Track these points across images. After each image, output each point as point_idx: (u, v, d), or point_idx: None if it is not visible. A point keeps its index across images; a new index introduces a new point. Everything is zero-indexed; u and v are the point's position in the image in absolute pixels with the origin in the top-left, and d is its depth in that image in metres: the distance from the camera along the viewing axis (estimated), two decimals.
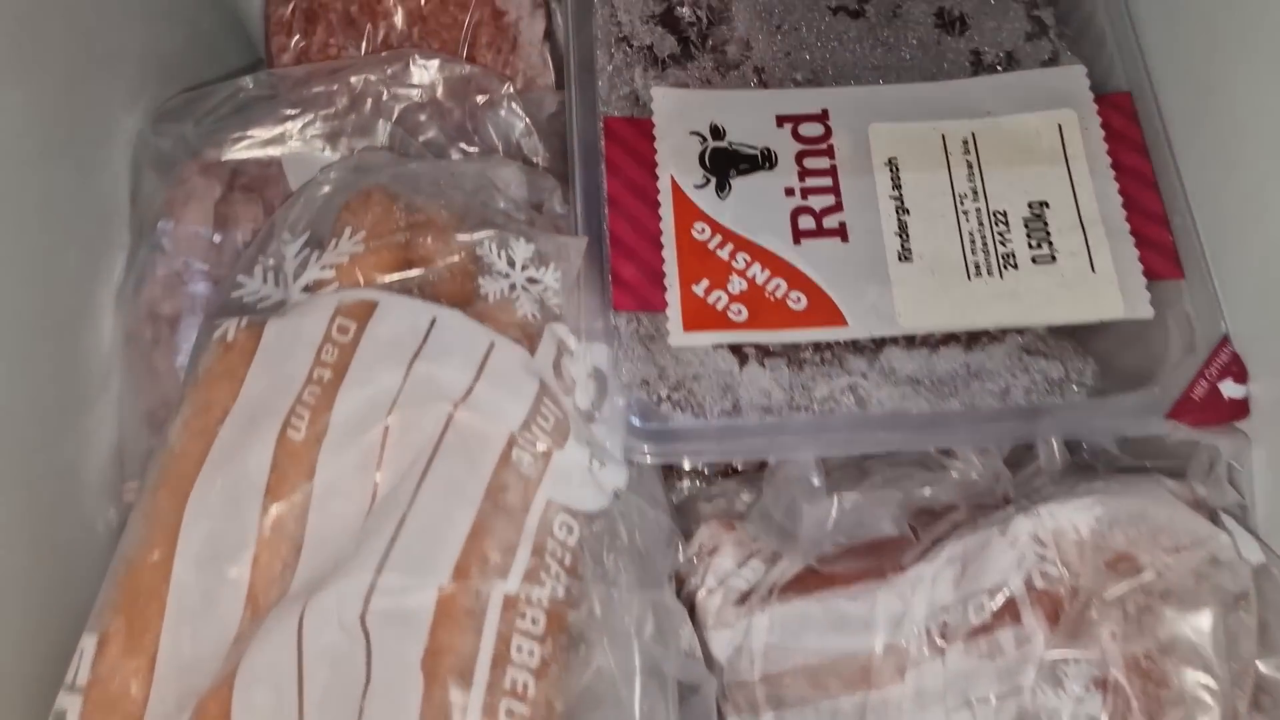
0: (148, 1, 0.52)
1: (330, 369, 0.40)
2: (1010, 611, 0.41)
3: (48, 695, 0.38)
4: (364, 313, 0.41)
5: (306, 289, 0.42)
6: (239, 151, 0.50)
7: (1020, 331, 0.44)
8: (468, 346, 0.40)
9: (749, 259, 0.45)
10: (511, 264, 0.43)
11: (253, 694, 0.36)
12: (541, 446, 0.40)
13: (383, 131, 0.50)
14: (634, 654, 0.38)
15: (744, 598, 0.47)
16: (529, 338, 0.42)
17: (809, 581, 0.45)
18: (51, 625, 0.42)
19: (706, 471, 0.50)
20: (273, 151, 0.50)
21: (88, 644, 0.38)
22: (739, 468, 0.50)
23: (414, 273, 0.42)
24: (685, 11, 0.50)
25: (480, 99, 0.52)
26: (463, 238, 0.42)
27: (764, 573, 0.47)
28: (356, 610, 0.37)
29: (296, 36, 0.55)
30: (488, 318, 0.41)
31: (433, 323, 0.41)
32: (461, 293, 0.42)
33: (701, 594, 0.47)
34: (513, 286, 0.43)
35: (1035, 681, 0.39)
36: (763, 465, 0.50)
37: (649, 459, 0.42)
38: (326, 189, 0.45)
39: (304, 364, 0.40)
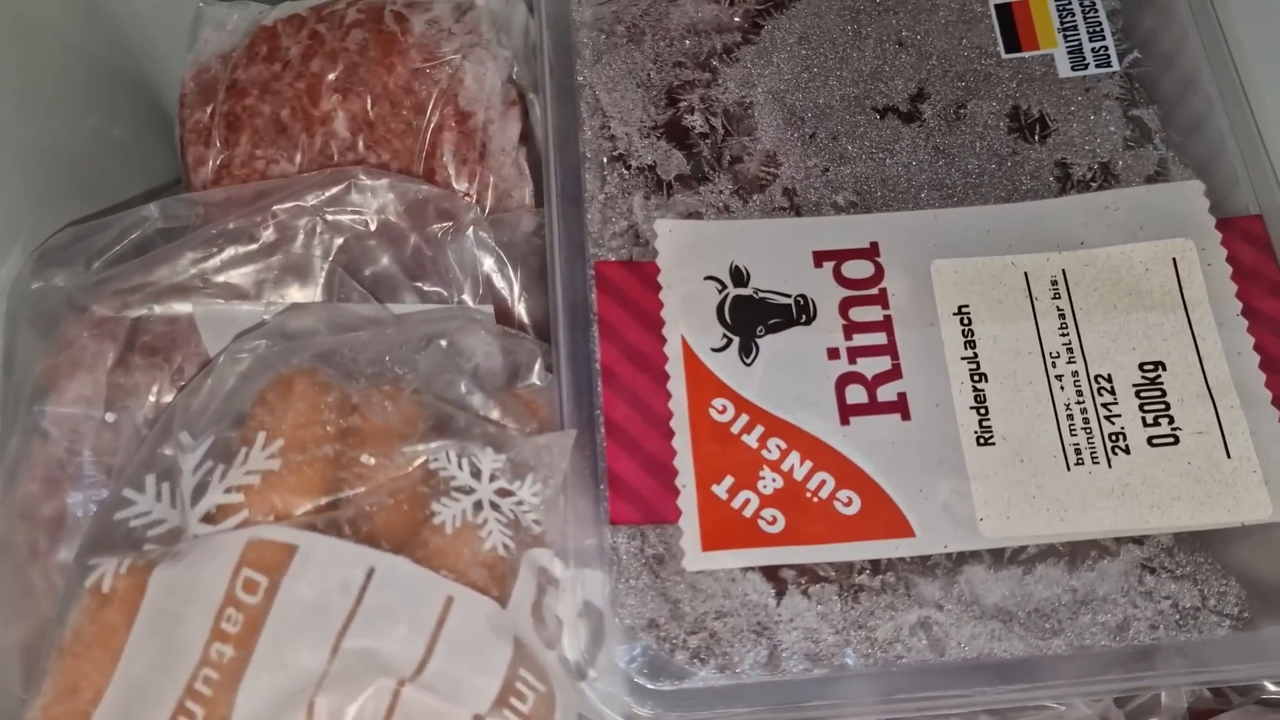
0: (30, 99, 0.42)
1: (233, 644, 0.30)
2: None
3: None
4: (279, 561, 0.31)
5: (207, 518, 0.33)
6: (139, 305, 0.40)
7: (1139, 541, 0.35)
8: (417, 606, 0.31)
9: (784, 446, 0.36)
10: (476, 475, 0.33)
11: None
12: None
13: (318, 273, 0.41)
14: None
15: None
16: (499, 580, 0.32)
17: None
18: None
19: None
20: (181, 305, 0.40)
21: None
22: None
23: (346, 496, 0.32)
24: (696, 120, 0.40)
25: (440, 227, 0.42)
26: (410, 449, 0.33)
27: None
28: None
29: (216, 147, 0.45)
30: (443, 559, 0.32)
31: (369, 575, 0.31)
32: (408, 526, 0.32)
33: None
34: (478, 506, 0.33)
35: None
36: None
37: None
38: (240, 368, 0.36)
39: (199, 636, 0.31)
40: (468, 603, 0.31)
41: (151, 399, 0.40)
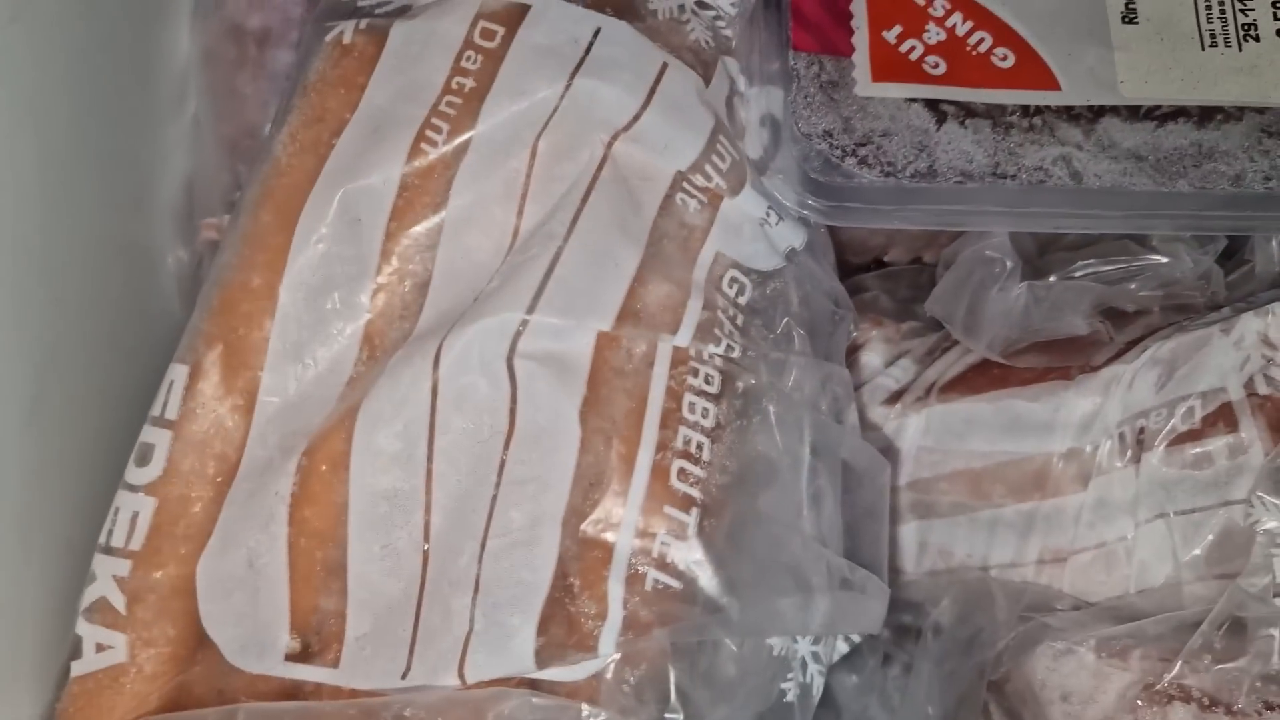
0: None
1: (473, 78, 0.35)
2: (1225, 418, 0.36)
3: (130, 428, 0.34)
4: (514, 17, 0.35)
5: None
6: None
7: (1261, 111, 0.39)
8: (638, 64, 0.35)
9: (949, 6, 0.40)
10: None
11: (376, 437, 0.32)
12: (711, 190, 0.35)
13: None
14: (805, 429, 0.34)
15: (894, 398, 0.43)
16: (703, 65, 0.36)
17: (976, 381, 0.41)
18: (116, 362, 0.37)
19: (851, 263, 0.46)
20: None
21: (178, 374, 0.34)
22: (889, 259, 0.46)
23: None
24: None
25: None
26: None
27: (916, 374, 0.43)
28: (502, 351, 0.32)
29: None
30: (658, 35, 0.36)
31: (596, 33, 0.35)
32: (628, 5, 0.36)
33: None
34: (682, 8, 0.37)
35: (1252, 492, 0.35)
36: (916, 260, 0.46)
37: (826, 220, 0.37)
38: None
39: (441, 71, 0.35)
40: (680, 71, 0.36)
41: None
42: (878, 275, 0.46)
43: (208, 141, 0.43)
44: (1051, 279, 0.40)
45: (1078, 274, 0.41)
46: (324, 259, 0.34)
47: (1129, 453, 0.38)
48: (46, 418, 0.33)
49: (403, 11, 0.38)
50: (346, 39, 0.36)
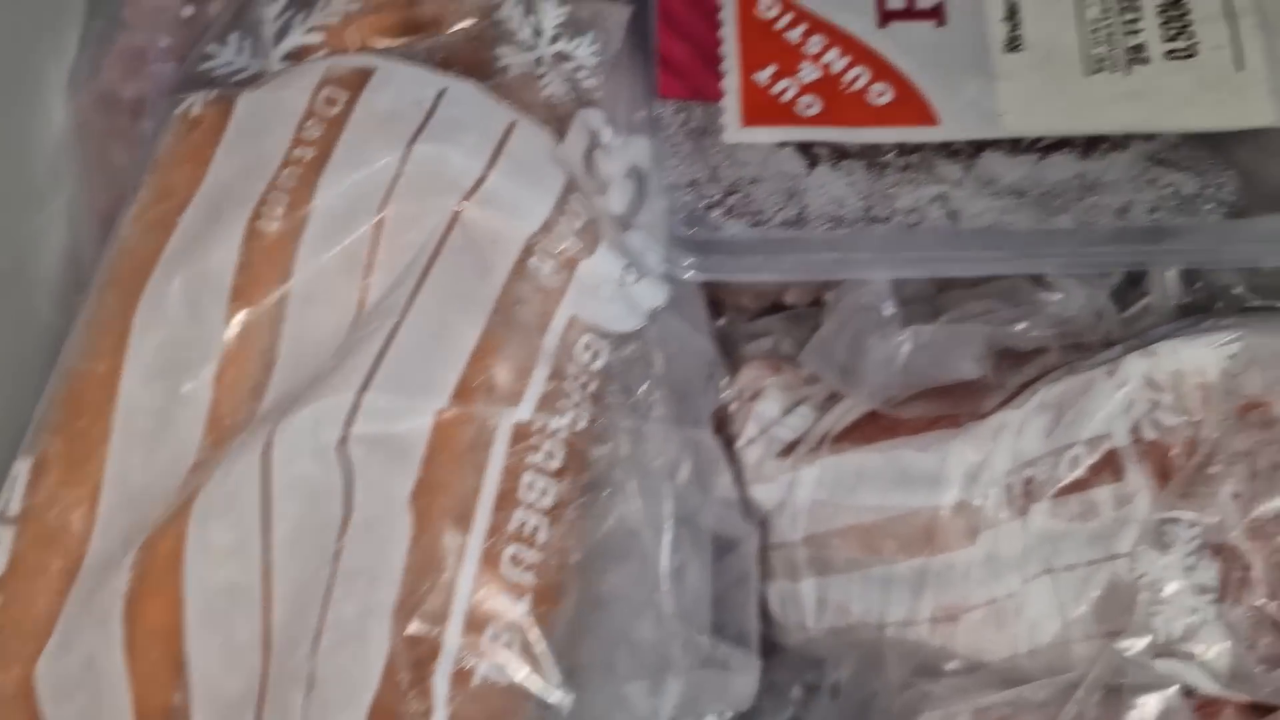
0: None
1: (313, 147, 0.34)
2: (1111, 466, 0.35)
3: None
4: (357, 82, 0.35)
5: (289, 57, 0.36)
6: None
7: (1148, 138, 0.38)
8: (482, 125, 0.34)
9: (825, 43, 0.39)
10: (538, 34, 0.37)
11: (209, 531, 0.31)
12: (565, 252, 0.34)
13: None
14: (665, 499, 0.33)
15: (789, 449, 0.42)
16: (557, 121, 0.36)
17: (869, 430, 0.40)
18: None
19: (750, 308, 0.44)
20: None
21: (21, 468, 0.34)
22: (788, 302, 0.44)
23: (420, 37, 0.36)
24: None
25: None
26: None
27: (813, 421, 0.42)
28: (335, 435, 0.32)
29: None
30: (508, 94, 0.35)
31: (440, 94, 0.35)
32: (477, 64, 0.36)
33: (740, 444, 0.42)
34: (539, 61, 0.36)
35: (1135, 545, 0.33)
36: (816, 301, 0.45)
37: (694, 274, 0.36)
38: None
39: (282, 141, 0.34)
40: (528, 130, 0.35)
41: None
42: (778, 319, 0.45)
43: (83, 215, 0.43)
44: (936, 324, 0.39)
45: (967, 315, 0.39)
46: (165, 344, 0.34)
47: (1016, 504, 0.37)
48: None
49: (255, 79, 0.37)
50: (195, 111, 0.36)
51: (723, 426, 0.42)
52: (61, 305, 0.42)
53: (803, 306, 0.44)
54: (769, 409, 0.42)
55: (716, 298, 0.43)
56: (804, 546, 0.40)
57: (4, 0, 0.40)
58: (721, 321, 0.44)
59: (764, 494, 0.42)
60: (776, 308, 0.45)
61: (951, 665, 0.37)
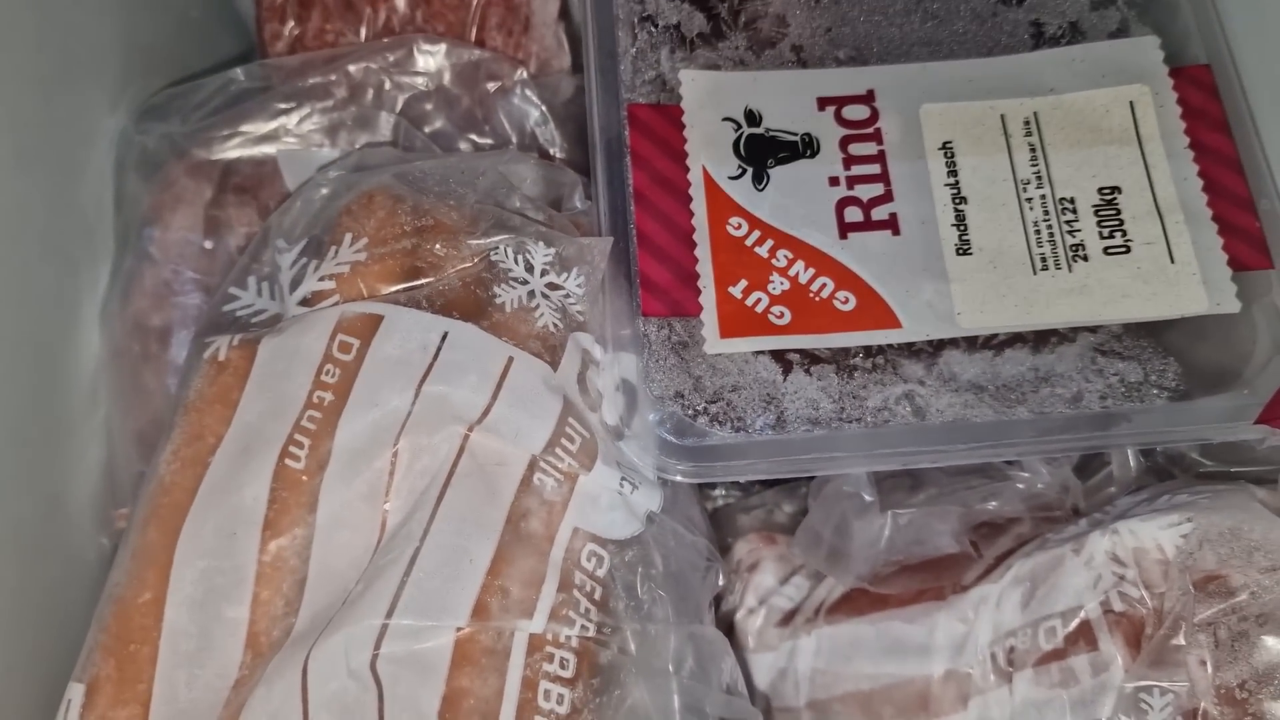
0: None
1: (332, 391, 0.38)
2: (1085, 636, 0.39)
3: None
4: (368, 328, 0.39)
5: (304, 302, 0.40)
6: (230, 150, 0.48)
7: (1093, 330, 0.42)
8: (483, 363, 0.39)
9: (791, 256, 0.43)
10: (530, 270, 0.41)
11: None
12: (566, 470, 0.38)
13: (385, 124, 0.49)
14: (672, 694, 0.36)
15: (787, 618, 0.45)
16: (550, 350, 0.40)
17: (860, 601, 0.44)
18: (39, 670, 0.40)
19: (744, 480, 0.49)
20: (267, 149, 0.48)
21: (75, 693, 0.37)
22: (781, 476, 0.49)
23: (422, 282, 0.40)
24: None
25: (491, 86, 0.50)
26: (475, 242, 0.41)
27: (809, 590, 0.46)
28: (366, 656, 0.35)
29: (290, 23, 0.53)
30: (505, 330, 0.40)
31: (444, 338, 0.39)
32: (475, 303, 0.40)
33: (741, 614, 0.46)
34: (531, 294, 0.41)
35: (1114, 713, 0.37)
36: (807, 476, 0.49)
37: (684, 479, 0.40)
38: (325, 190, 0.44)
39: (303, 386, 0.39)
40: (525, 362, 0.39)
41: (243, 230, 0.48)
42: (771, 492, 0.49)
43: (118, 435, 0.47)
44: (914, 506, 0.42)
45: (943, 494, 0.43)
46: (205, 572, 0.37)
47: (1003, 672, 0.40)
48: None
49: (275, 321, 0.42)
50: (221, 356, 0.40)
51: (723, 597, 0.46)
52: (98, 520, 0.46)
53: (794, 480, 0.48)
54: (766, 580, 0.46)
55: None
56: (808, 711, 0.44)
57: (42, 242, 0.44)
58: (719, 493, 0.48)
59: (767, 661, 0.46)
60: (771, 480, 0.49)
61: None
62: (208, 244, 0.48)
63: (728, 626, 0.48)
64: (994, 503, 0.43)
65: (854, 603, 0.45)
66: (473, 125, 0.50)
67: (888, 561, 0.42)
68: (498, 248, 0.41)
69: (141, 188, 0.49)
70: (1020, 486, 0.43)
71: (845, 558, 0.42)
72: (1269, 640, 0.37)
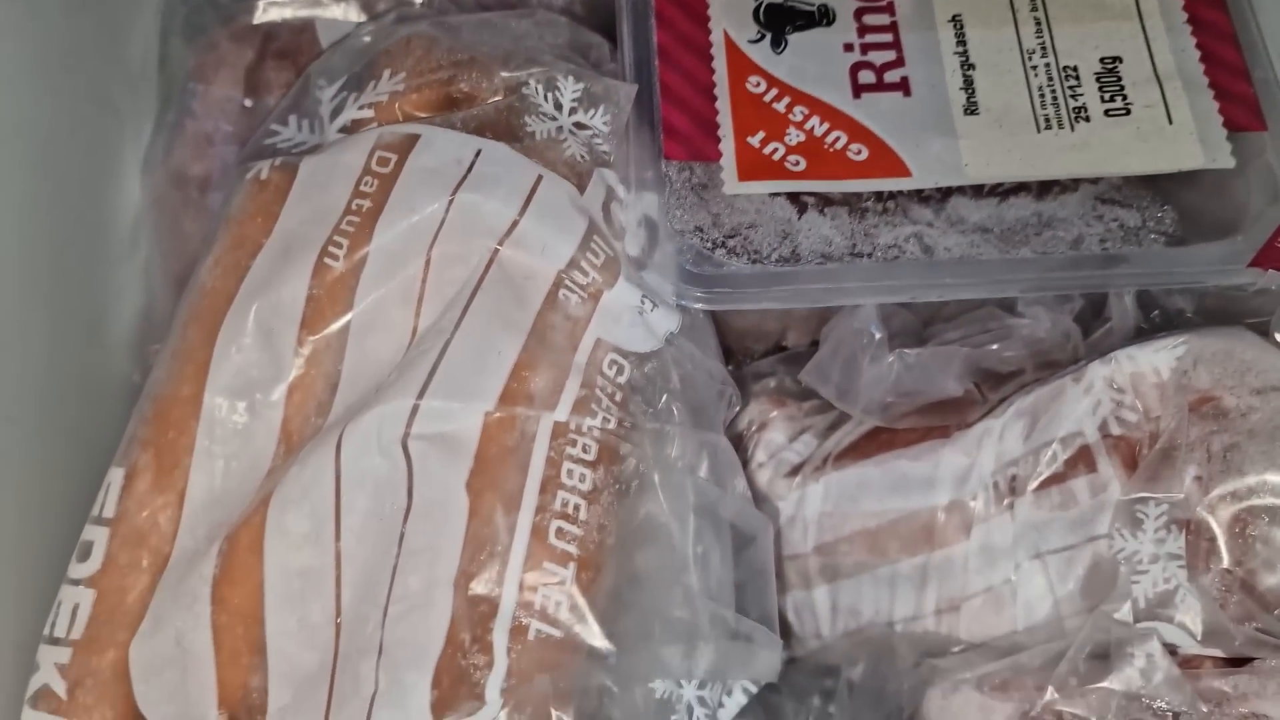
0: None
1: (370, 199, 0.40)
2: (1084, 459, 0.40)
3: (72, 535, 0.38)
4: (405, 145, 0.41)
5: (343, 130, 0.42)
6: (271, 14, 0.50)
7: (1094, 181, 0.44)
8: (514, 178, 0.40)
9: (807, 112, 0.45)
10: (559, 107, 0.43)
11: (286, 519, 0.36)
12: (590, 285, 0.40)
13: None
14: (688, 492, 0.38)
15: (796, 469, 0.47)
16: (578, 176, 0.42)
17: (866, 447, 0.45)
18: (75, 475, 0.42)
19: (755, 351, 0.50)
20: (306, 15, 0.50)
21: (115, 477, 0.38)
22: (789, 344, 0.50)
23: (457, 112, 0.42)
24: None
25: None
26: (507, 74, 0.43)
27: (816, 446, 0.47)
28: (398, 434, 0.37)
29: None
30: (534, 153, 0.41)
31: (477, 154, 0.41)
32: (507, 128, 0.42)
33: (752, 468, 0.47)
34: (560, 129, 0.43)
35: (1112, 525, 0.38)
36: (813, 344, 0.50)
37: (702, 305, 0.42)
38: (365, 39, 0.46)
39: (342, 195, 0.40)
40: (553, 182, 0.41)
41: (282, 91, 0.50)
42: (779, 359, 0.51)
43: (157, 277, 0.48)
44: (921, 348, 0.44)
45: (948, 341, 0.45)
46: (243, 366, 0.39)
47: (1004, 500, 0.42)
48: (3, 527, 0.38)
49: (315, 149, 0.43)
50: (263, 176, 0.42)
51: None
52: (135, 357, 0.48)
53: (802, 347, 0.50)
54: (776, 437, 0.48)
55: (726, 344, 0.48)
56: (815, 555, 0.45)
57: (90, 96, 0.46)
58: (730, 367, 0.50)
59: (776, 510, 0.47)
60: (779, 349, 0.50)
61: (956, 650, 0.41)
62: (248, 102, 0.49)
63: None
64: (999, 345, 0.44)
65: (861, 449, 0.46)
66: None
67: (895, 401, 0.44)
68: (528, 81, 0.43)
69: (185, 51, 0.50)
70: (1024, 333, 0.44)
71: (854, 392, 0.44)
72: (1258, 454, 0.39)
